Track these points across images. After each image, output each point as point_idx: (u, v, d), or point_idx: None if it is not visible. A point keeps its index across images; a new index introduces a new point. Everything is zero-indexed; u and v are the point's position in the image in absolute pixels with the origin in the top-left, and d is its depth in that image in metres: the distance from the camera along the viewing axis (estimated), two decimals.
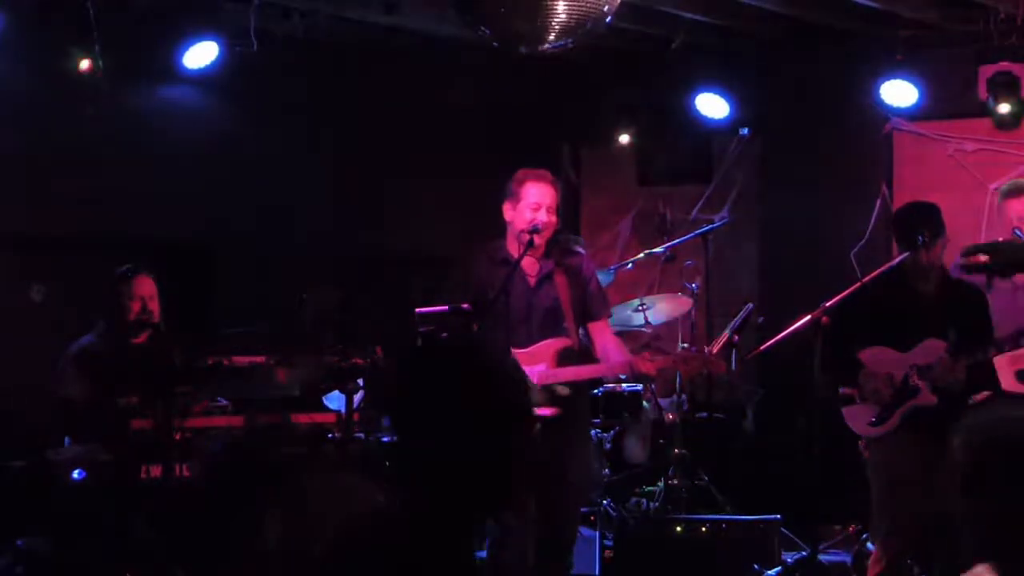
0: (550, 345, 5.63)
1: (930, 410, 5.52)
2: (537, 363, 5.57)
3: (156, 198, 7.23)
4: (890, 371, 5.65)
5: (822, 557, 6.37)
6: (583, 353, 5.79)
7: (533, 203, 5.60)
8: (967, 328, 5.70)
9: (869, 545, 6.20)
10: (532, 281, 5.70)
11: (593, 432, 7.09)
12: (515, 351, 5.49)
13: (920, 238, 5.63)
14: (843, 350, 5.67)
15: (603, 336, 5.79)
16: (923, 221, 5.76)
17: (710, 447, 7.60)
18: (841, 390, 5.80)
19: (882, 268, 5.78)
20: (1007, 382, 5.98)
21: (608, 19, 5.21)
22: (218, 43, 7.15)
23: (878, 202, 8.06)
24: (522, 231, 5.59)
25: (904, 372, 5.61)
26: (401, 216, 8.14)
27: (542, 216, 5.60)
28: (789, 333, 5.76)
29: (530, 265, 5.69)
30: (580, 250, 6.23)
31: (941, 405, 5.51)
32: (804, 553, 6.41)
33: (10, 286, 6.74)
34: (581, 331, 5.78)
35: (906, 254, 5.74)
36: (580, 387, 5.78)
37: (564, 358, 5.64)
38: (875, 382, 5.65)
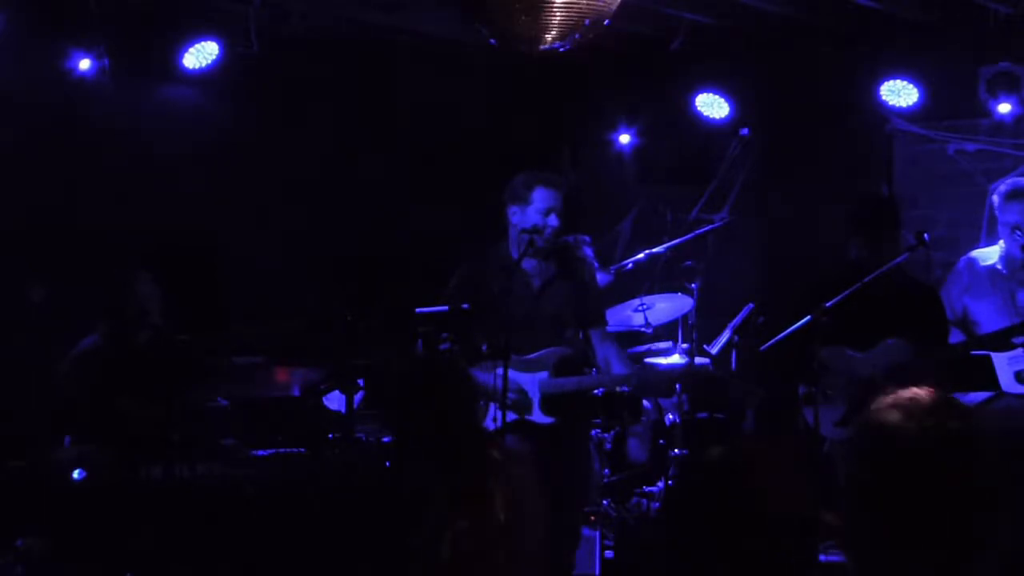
0: (552, 354, 5.61)
1: None
2: (539, 371, 5.56)
3: (156, 198, 7.22)
4: (853, 371, 5.65)
5: (822, 557, 6.36)
6: (585, 361, 5.77)
7: (544, 208, 5.57)
8: (924, 327, 5.70)
9: None
10: (535, 286, 5.67)
11: (593, 432, 7.08)
12: (518, 358, 5.47)
13: (926, 235, 5.64)
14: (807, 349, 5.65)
15: (603, 345, 5.76)
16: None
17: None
18: (802, 390, 5.78)
19: (882, 268, 5.77)
20: (1007, 382, 5.99)
21: (608, 19, 5.21)
22: (218, 43, 7.15)
23: None
24: (523, 231, 5.57)
25: (868, 372, 5.60)
26: (401, 215, 8.13)
27: (553, 221, 5.56)
28: (789, 333, 5.75)
29: (533, 269, 5.66)
30: (587, 251, 6.22)
31: None
32: None
33: (10, 286, 6.73)
34: (581, 335, 5.76)
35: (907, 254, 5.74)
36: (581, 397, 5.78)
37: (566, 367, 5.63)
38: (840, 382, 5.64)
